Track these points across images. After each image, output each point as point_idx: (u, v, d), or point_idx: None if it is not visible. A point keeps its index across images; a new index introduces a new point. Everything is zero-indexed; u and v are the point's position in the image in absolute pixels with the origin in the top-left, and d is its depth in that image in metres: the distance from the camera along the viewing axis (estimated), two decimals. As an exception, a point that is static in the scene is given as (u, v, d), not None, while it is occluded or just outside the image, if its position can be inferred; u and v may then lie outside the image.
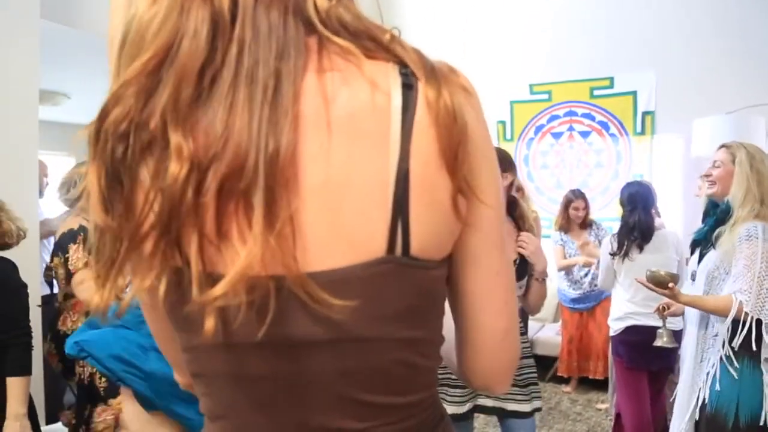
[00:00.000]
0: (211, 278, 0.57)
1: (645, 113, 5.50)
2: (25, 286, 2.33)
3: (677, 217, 4.98)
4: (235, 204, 0.57)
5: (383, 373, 0.66)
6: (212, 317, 0.57)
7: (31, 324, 2.32)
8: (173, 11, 0.58)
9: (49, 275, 3.13)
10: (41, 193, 3.92)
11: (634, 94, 5.53)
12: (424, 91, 0.61)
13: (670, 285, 2.54)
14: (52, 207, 3.87)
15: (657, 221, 3.56)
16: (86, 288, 2.87)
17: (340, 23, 0.63)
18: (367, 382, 0.66)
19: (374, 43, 0.63)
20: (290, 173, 0.57)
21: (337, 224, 0.60)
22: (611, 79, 5.59)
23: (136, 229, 0.58)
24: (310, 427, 0.67)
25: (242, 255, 0.56)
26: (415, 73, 0.62)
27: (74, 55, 4.53)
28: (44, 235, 3.78)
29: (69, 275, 2.93)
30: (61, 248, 2.96)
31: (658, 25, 5.35)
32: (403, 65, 0.63)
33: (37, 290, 3.24)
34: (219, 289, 0.56)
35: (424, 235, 0.62)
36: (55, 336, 3.01)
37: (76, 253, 2.95)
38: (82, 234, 3.01)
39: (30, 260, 3.08)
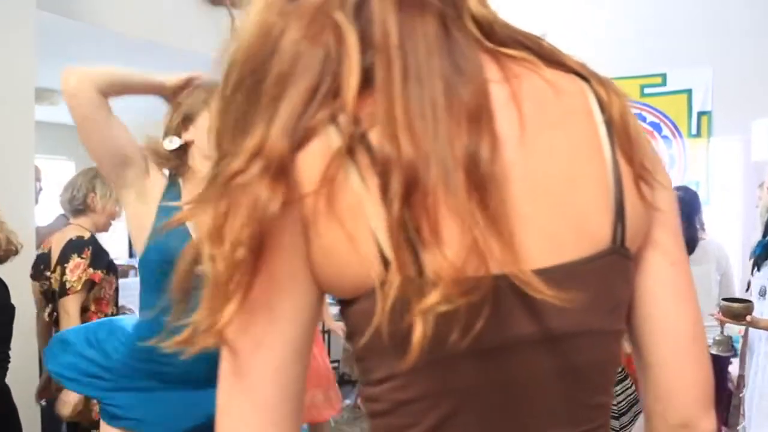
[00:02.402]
0: (415, 283, 0.57)
1: (701, 113, 5.39)
2: (11, 308, 2.27)
3: (736, 226, 4.91)
4: (432, 204, 0.57)
5: (600, 370, 0.70)
6: (421, 328, 0.56)
7: (10, 350, 2.25)
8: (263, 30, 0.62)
9: (46, 285, 3.01)
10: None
11: (688, 92, 5.41)
12: (597, 92, 0.69)
13: (748, 318, 2.63)
14: (46, 214, 3.82)
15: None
16: (71, 325, 2.71)
17: (504, 35, 0.68)
18: (586, 380, 0.68)
19: (537, 51, 0.69)
20: (491, 172, 0.59)
21: (563, 219, 0.64)
22: (664, 75, 5.48)
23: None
24: None
25: (450, 253, 0.56)
26: (585, 76, 0.70)
27: (74, 50, 4.49)
28: (37, 246, 3.71)
29: (62, 292, 2.81)
30: (63, 258, 2.86)
31: (715, 17, 5.22)
32: (571, 69, 0.70)
33: (32, 306, 3.16)
34: (437, 293, 0.56)
35: (633, 227, 0.68)
36: None
37: (77, 269, 2.84)
38: (90, 248, 2.91)
39: (25, 273, 3.01)
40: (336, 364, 5.20)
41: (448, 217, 0.57)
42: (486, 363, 0.63)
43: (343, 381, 5.08)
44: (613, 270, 0.67)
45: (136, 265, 5.55)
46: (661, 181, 0.71)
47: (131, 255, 6.79)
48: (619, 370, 2.39)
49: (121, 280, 3.24)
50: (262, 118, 0.59)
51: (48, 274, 2.93)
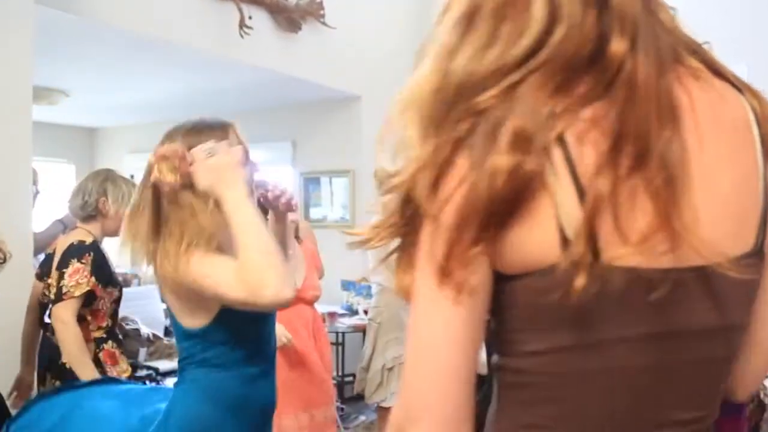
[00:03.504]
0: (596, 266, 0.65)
1: (734, 114, 5.29)
2: None
3: None
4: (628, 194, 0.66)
5: (731, 361, 0.79)
6: (583, 278, 0.64)
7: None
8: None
9: (45, 296, 2.93)
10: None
11: (721, 91, 5.31)
12: (752, 105, 0.76)
13: None
14: (43, 218, 3.76)
15: None
16: (70, 334, 2.66)
17: (683, 43, 0.76)
18: (723, 371, 0.78)
19: (706, 60, 0.77)
20: (679, 172, 0.67)
21: (725, 221, 0.72)
22: (695, 73, 5.39)
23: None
24: (670, 418, 0.74)
25: (632, 239, 0.65)
26: (739, 87, 0.77)
27: (74, 47, 4.44)
28: (35, 252, 3.64)
29: (57, 297, 2.72)
30: (63, 263, 2.76)
31: (749, 14, 5.18)
32: (728, 80, 0.77)
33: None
34: (612, 277, 0.65)
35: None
36: (59, 371, 2.76)
37: (76, 274, 2.75)
38: (92, 253, 2.81)
39: (22, 279, 2.97)
40: (351, 378, 5.11)
41: (635, 211, 0.65)
42: (649, 346, 0.71)
43: (354, 399, 4.99)
44: (757, 269, 0.76)
45: (139, 274, 5.40)
46: None
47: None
48: None
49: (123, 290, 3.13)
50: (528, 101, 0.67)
51: (48, 280, 2.86)
